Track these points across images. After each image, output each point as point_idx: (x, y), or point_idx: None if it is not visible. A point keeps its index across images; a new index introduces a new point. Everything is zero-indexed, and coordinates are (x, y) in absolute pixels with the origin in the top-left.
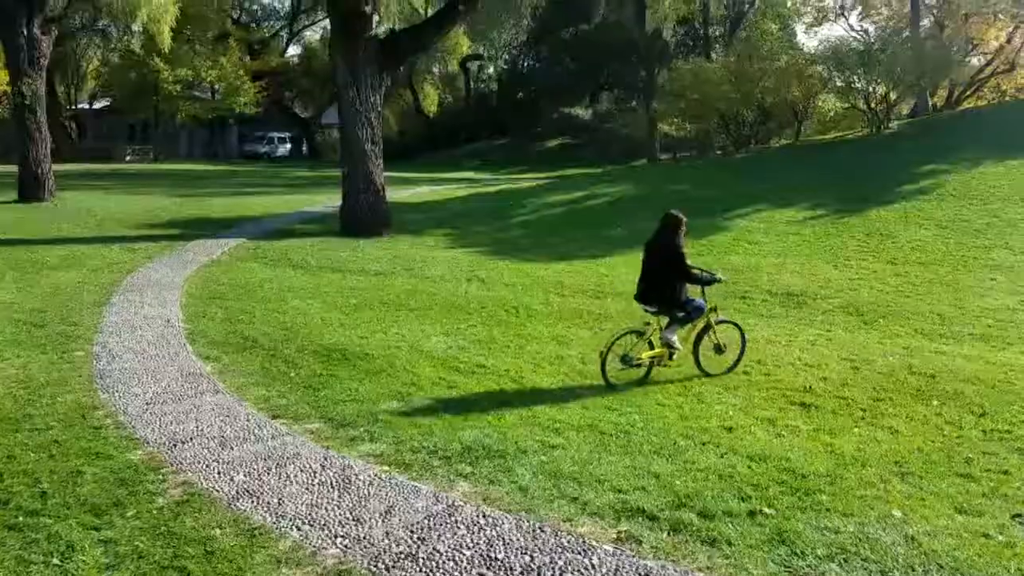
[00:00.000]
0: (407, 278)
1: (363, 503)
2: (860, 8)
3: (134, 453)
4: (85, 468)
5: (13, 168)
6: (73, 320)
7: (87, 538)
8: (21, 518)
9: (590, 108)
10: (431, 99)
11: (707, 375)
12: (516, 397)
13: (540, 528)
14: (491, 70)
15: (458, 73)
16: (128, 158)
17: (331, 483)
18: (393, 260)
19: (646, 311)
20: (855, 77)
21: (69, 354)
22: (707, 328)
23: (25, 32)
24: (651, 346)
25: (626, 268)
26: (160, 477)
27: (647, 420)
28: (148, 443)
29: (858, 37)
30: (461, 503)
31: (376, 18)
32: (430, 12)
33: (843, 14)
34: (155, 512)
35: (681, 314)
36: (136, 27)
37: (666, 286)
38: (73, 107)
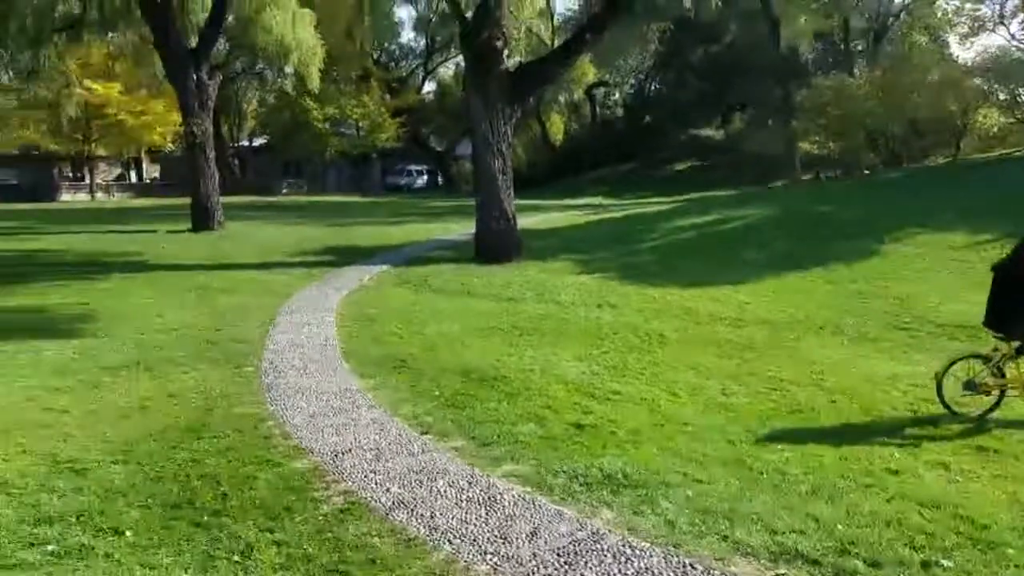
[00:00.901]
0: (537, 303)
1: (509, 522)
2: (1022, 15)
3: (300, 462)
4: (259, 474)
5: (186, 200)
6: (243, 338)
7: (263, 539)
8: (206, 517)
9: (721, 129)
10: (557, 127)
11: None
12: (654, 427)
13: (691, 564)
14: (617, 96)
15: (584, 100)
16: (284, 191)
17: (478, 500)
18: (524, 285)
19: (994, 336)
20: (1021, 89)
21: (240, 369)
22: None
23: (195, 78)
24: (1000, 373)
25: (765, 295)
26: (324, 485)
27: (801, 458)
28: (312, 453)
29: (1021, 46)
30: (605, 531)
31: (506, 52)
32: (557, 43)
33: (1002, 22)
34: (320, 518)
35: None
36: (288, 70)
37: (1011, 309)
38: (235, 145)
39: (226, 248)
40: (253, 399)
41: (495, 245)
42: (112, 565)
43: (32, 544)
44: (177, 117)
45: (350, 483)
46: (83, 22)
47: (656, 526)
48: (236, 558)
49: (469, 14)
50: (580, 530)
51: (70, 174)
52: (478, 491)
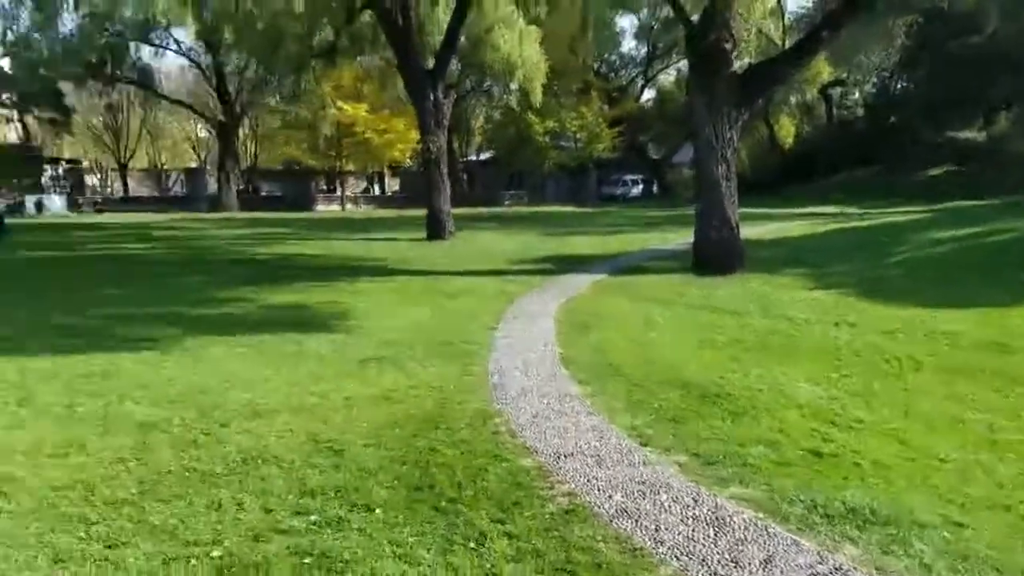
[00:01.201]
0: (763, 318)
1: (740, 547)
2: None
3: (526, 460)
4: (489, 467)
5: (422, 212)
6: (471, 339)
7: (495, 530)
8: (444, 503)
9: (983, 130)
10: (787, 130)
11: None
12: (905, 461)
13: None
14: (856, 95)
15: (818, 100)
16: (506, 202)
17: (705, 519)
18: (747, 298)
19: None
20: None
21: (469, 368)
22: None
23: (432, 97)
24: None
25: None
26: (548, 485)
27: None
28: (537, 453)
29: None
30: (850, 568)
31: (734, 54)
32: (788, 43)
33: None
34: (547, 516)
35: None
36: (513, 86)
37: None
38: (465, 159)
39: (456, 255)
40: (481, 396)
41: (716, 255)
42: (365, 538)
43: (299, 513)
44: (415, 135)
45: (573, 485)
46: (336, 49)
47: (910, 568)
48: (472, 545)
49: (695, 17)
50: (820, 563)
51: (324, 187)
52: (705, 510)
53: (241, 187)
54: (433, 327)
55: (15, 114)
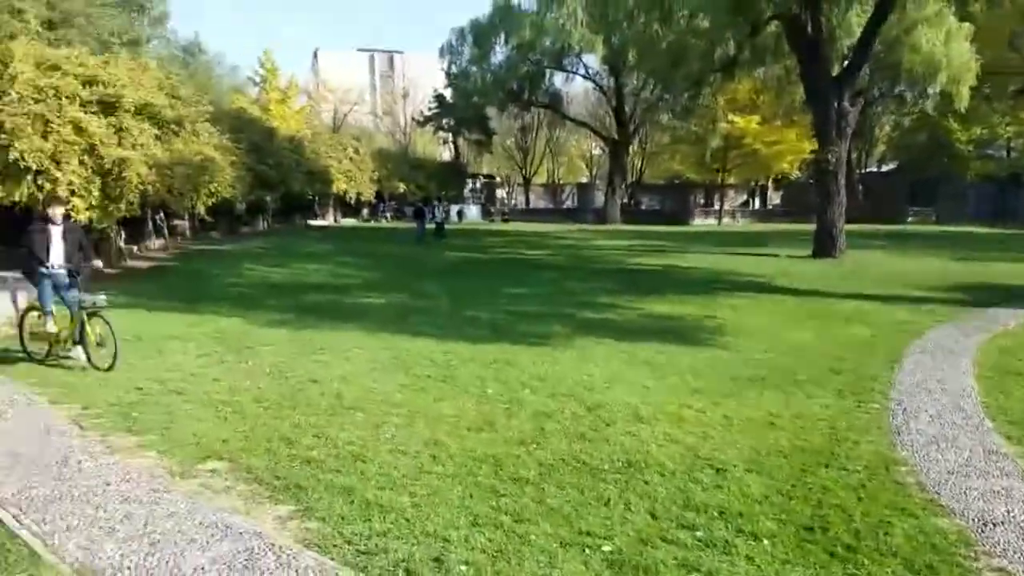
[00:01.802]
0: None
1: None
2: None
3: (940, 520)
4: (893, 520)
5: (805, 227)
6: (866, 372)
7: None
8: (840, 550)
9: None
10: None
11: None
12: None
13: None
14: None
15: None
16: (909, 219)
17: None
18: None
19: None
20: None
21: (865, 404)
22: None
23: (836, 105)
24: None
25: None
26: (971, 554)
27: None
28: (954, 514)
29: None
30: None
31: None
32: None
33: None
34: None
35: None
36: (932, 90)
37: None
38: (862, 170)
39: (847, 276)
40: (881, 439)
41: None
42: (753, 569)
43: (683, 526)
44: (807, 146)
45: (1006, 561)
46: (736, 62)
47: None
48: None
49: None
50: None
51: (701, 201)
52: None
53: (624, 201)
54: (819, 353)
55: (450, 136)
